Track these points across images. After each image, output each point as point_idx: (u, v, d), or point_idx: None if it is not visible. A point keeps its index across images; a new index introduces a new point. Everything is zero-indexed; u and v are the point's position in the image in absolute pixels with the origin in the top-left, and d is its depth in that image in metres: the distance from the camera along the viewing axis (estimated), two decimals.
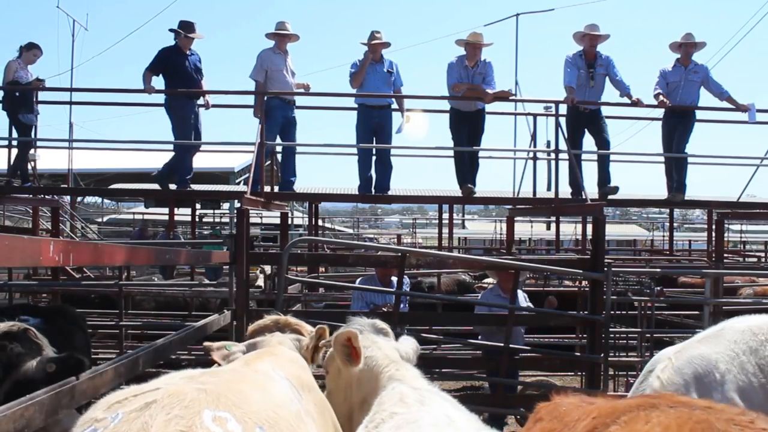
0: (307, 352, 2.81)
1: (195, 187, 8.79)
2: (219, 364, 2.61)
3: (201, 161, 16.30)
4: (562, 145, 7.83)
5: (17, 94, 8.28)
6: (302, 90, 8.38)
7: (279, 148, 8.46)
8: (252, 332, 2.90)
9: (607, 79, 8.15)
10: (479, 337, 6.23)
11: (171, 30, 8.15)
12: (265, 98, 7.92)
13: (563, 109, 8.14)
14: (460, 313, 7.11)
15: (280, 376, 2.14)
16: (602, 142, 8.19)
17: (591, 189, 8.18)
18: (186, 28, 8.14)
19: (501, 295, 5.96)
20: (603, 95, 8.27)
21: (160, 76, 8.08)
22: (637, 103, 8.08)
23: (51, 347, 3.73)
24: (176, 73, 8.00)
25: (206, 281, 9.97)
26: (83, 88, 8.47)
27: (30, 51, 8.50)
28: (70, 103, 9.96)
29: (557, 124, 7.80)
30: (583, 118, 8.11)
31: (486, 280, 9.09)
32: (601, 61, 8.11)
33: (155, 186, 9.15)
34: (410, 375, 2.52)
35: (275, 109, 7.96)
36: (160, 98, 9.10)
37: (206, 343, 2.82)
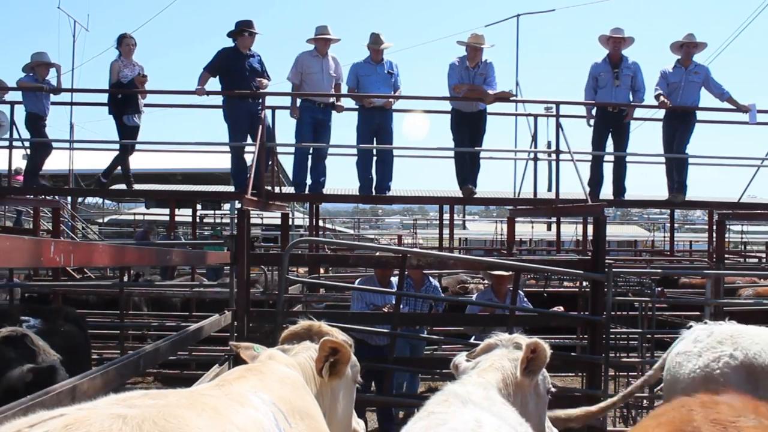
0: (316, 367, 2.43)
1: (195, 187, 8.77)
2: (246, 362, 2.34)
3: (201, 162, 16.38)
4: (563, 146, 7.83)
5: (119, 96, 8.20)
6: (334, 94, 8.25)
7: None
8: (284, 339, 2.58)
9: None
10: (473, 338, 6.23)
11: (229, 34, 7.98)
12: (298, 100, 7.97)
13: (573, 110, 8.22)
14: (461, 314, 7.10)
15: (262, 400, 1.85)
16: (620, 151, 8.30)
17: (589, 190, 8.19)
18: (245, 26, 7.94)
19: (493, 299, 5.95)
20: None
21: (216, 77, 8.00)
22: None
23: (52, 351, 3.74)
24: (232, 74, 7.87)
25: (206, 281, 9.98)
26: (84, 88, 8.43)
27: (123, 44, 8.33)
28: (71, 104, 9.97)
29: (558, 125, 7.80)
30: (610, 119, 8.18)
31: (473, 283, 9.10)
32: (628, 64, 8.20)
33: (156, 186, 9.15)
34: (474, 381, 2.45)
35: (304, 111, 7.95)
36: (159, 99, 9.11)
37: (233, 342, 2.50)
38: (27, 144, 9.00)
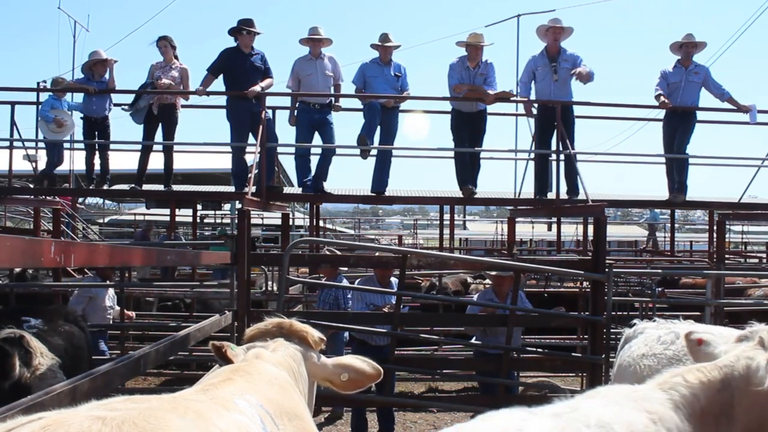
0: (324, 374, 2.47)
1: (196, 187, 8.75)
2: (231, 362, 2.28)
3: (201, 162, 16.37)
4: (562, 146, 7.82)
5: (136, 96, 8.13)
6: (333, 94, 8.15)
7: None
8: (251, 337, 2.49)
9: (575, 77, 7.93)
10: (473, 339, 6.24)
11: (229, 31, 7.94)
12: (297, 103, 7.97)
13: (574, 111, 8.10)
14: (461, 314, 7.10)
15: (249, 403, 1.82)
16: (566, 147, 8.11)
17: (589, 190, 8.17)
18: (245, 25, 7.89)
19: (494, 299, 5.95)
20: (595, 98, 8.24)
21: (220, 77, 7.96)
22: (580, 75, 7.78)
23: (50, 353, 3.74)
24: (233, 74, 7.83)
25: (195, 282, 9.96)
26: (82, 87, 8.40)
27: (158, 45, 8.20)
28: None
29: (558, 125, 7.79)
30: (552, 116, 7.91)
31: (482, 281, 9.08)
32: (566, 56, 7.99)
33: (156, 187, 9.14)
34: (660, 380, 2.28)
35: (301, 113, 7.96)
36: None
37: (213, 342, 2.58)
38: (28, 144, 9.00)
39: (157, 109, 8.14)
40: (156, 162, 8.62)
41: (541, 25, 8.10)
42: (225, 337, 5.92)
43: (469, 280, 9.90)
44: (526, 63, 8.16)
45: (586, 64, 7.94)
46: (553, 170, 8.16)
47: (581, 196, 7.70)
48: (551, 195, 8.15)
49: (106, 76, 8.26)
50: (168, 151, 8.46)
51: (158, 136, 8.33)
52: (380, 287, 5.97)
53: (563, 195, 8.10)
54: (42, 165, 10.04)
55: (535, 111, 8.34)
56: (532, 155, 8.64)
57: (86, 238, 15.61)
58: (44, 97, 8.83)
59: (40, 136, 8.71)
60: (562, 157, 7.93)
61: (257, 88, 7.73)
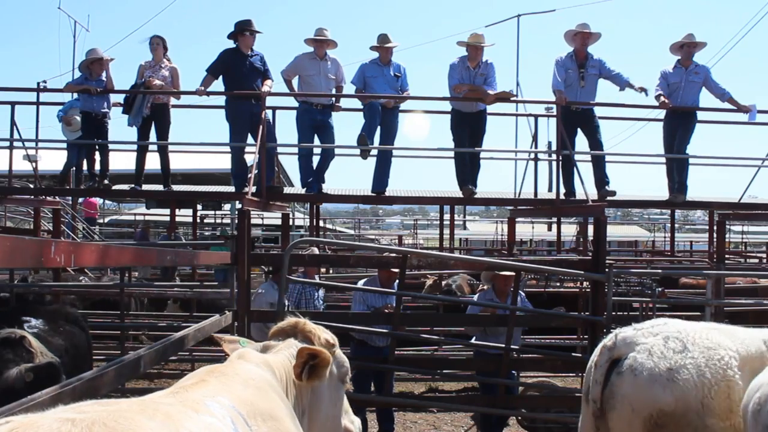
0: (294, 373, 2.36)
1: (196, 188, 8.74)
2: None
3: (201, 162, 16.37)
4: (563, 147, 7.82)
5: (128, 97, 8.08)
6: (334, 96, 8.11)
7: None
8: (272, 335, 2.57)
9: (602, 79, 8.09)
10: (474, 339, 6.24)
11: (229, 36, 7.92)
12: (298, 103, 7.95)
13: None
14: (461, 314, 7.10)
15: (220, 404, 1.81)
16: (596, 144, 8.13)
17: (588, 190, 8.17)
18: (245, 26, 7.87)
19: (494, 299, 5.95)
20: (598, 97, 8.27)
21: (221, 78, 7.94)
22: (644, 90, 7.96)
23: (49, 353, 3.74)
24: (233, 75, 7.82)
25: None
26: (84, 88, 8.38)
27: (150, 43, 8.17)
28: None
29: (558, 125, 7.79)
30: (575, 119, 8.01)
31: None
32: (593, 62, 8.04)
33: (156, 187, 9.13)
34: None
35: (302, 114, 7.94)
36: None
37: (216, 335, 2.47)
38: (28, 144, 9.00)
39: (150, 110, 8.13)
40: (154, 162, 8.61)
41: (569, 30, 8.08)
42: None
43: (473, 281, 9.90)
44: (556, 62, 8.10)
45: (612, 69, 8.02)
46: (553, 170, 8.17)
47: (581, 196, 7.71)
48: (551, 195, 8.15)
49: (104, 75, 8.25)
50: (163, 151, 8.44)
51: (152, 136, 8.31)
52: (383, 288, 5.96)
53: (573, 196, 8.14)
54: (42, 165, 10.04)
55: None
56: (532, 155, 8.66)
57: (86, 238, 15.60)
58: (44, 97, 8.85)
59: (62, 137, 8.79)
60: (574, 157, 7.92)
61: (265, 88, 7.75)
